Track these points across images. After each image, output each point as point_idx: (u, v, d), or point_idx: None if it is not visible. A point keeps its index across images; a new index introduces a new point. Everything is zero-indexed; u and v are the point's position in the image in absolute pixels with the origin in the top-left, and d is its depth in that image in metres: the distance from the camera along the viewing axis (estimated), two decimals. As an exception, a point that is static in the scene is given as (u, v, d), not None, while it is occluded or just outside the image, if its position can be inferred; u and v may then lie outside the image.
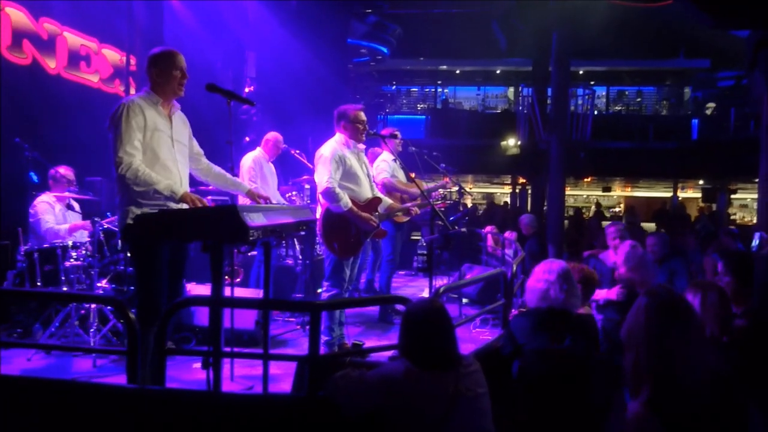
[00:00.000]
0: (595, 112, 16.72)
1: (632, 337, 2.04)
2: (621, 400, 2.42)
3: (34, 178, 5.31)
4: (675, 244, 6.54)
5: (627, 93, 26.54)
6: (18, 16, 6.01)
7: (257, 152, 5.95)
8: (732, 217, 22.22)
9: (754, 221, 15.02)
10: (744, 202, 25.30)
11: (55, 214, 5.21)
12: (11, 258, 4.98)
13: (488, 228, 8.89)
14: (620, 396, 2.46)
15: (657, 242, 5.85)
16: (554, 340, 3.00)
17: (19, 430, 2.50)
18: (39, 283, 4.60)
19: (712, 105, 21.70)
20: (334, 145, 4.39)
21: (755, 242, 5.92)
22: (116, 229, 4.67)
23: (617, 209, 27.15)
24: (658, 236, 6.06)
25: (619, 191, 27.10)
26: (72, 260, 4.69)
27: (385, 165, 5.97)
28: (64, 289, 4.65)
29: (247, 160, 5.86)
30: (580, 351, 2.97)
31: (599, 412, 2.84)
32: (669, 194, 24.18)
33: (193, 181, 3.73)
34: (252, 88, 9.54)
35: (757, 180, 6.15)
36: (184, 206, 3.23)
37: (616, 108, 25.71)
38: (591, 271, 3.87)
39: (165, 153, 3.32)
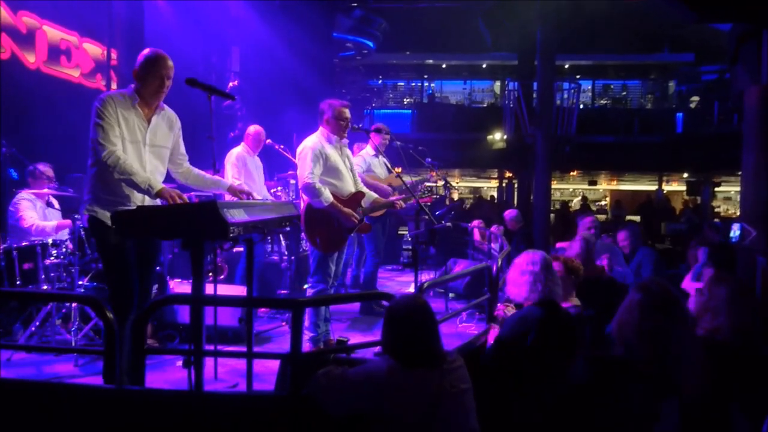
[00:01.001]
0: (581, 106, 16.78)
1: (624, 332, 2.03)
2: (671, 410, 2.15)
3: (13, 174, 5.23)
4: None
5: (612, 87, 26.69)
6: (-5, 9, 5.90)
7: (240, 148, 5.89)
8: (716, 210, 22.44)
9: (738, 213, 15.17)
10: (728, 194, 25.55)
11: (36, 211, 5.13)
12: (-11, 256, 4.90)
13: (475, 222, 8.89)
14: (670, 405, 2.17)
15: (628, 236, 5.97)
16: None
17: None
18: (18, 282, 4.52)
19: (696, 99, 21.91)
20: (315, 140, 4.35)
21: (735, 233, 5.99)
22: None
23: (603, 202, 27.32)
24: (628, 229, 6.20)
25: (605, 185, 27.26)
26: (52, 258, 4.61)
27: (360, 160, 5.92)
28: (45, 287, 4.57)
29: (230, 156, 5.79)
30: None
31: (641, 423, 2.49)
32: (654, 187, 24.37)
33: (175, 181, 3.69)
34: (236, 83, 9.42)
35: (740, 173, 6.19)
36: (150, 200, 3.25)
37: (602, 102, 25.85)
38: (573, 261, 3.87)
39: (131, 156, 3.30)
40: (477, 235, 8.24)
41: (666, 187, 24.88)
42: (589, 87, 25.35)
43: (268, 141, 6.18)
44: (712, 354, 2.18)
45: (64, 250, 4.67)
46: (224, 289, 4.77)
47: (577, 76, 22.60)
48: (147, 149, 3.38)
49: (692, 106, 21.53)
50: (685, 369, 1.93)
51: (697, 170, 20.29)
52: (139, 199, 3.30)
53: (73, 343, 4.31)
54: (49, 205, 5.25)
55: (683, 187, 23.03)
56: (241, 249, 5.69)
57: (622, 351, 2.01)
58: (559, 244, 6.60)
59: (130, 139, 3.30)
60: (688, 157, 17.98)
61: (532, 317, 3.03)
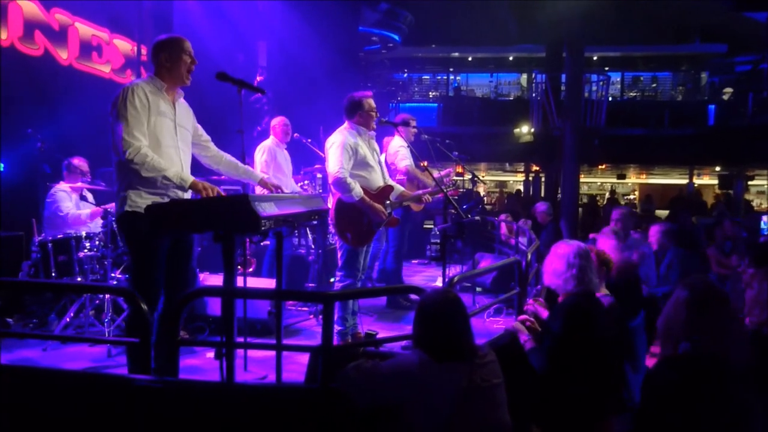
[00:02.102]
0: (610, 99, 16.50)
1: (672, 330, 1.99)
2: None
3: (47, 168, 5.33)
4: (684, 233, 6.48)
5: (642, 79, 26.22)
6: (30, 7, 6.01)
7: (269, 141, 5.93)
8: (751, 204, 21.92)
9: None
10: (761, 188, 24.93)
11: (71, 203, 5.22)
12: (25, 248, 5.01)
13: (502, 216, 8.83)
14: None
15: (660, 233, 5.79)
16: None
17: (32, 420, 2.51)
18: (53, 274, 4.62)
19: (729, 90, 21.40)
20: (344, 134, 4.34)
21: (765, 224, 5.84)
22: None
23: (632, 196, 26.90)
24: (661, 226, 6.00)
25: (634, 178, 26.83)
26: (86, 251, 4.70)
27: (405, 151, 5.91)
28: (79, 279, 4.67)
29: (259, 150, 5.84)
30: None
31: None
32: (685, 181, 23.91)
33: (205, 170, 3.70)
34: (263, 77, 9.49)
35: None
36: (188, 195, 3.22)
37: (631, 94, 25.42)
38: (605, 253, 3.80)
39: (167, 140, 3.26)
40: (504, 229, 8.18)
41: (697, 181, 24.39)
42: (618, 79, 24.92)
43: (296, 135, 6.20)
44: (761, 346, 2.13)
45: (97, 242, 4.76)
46: (252, 282, 4.81)
47: (606, 68, 22.24)
48: (178, 129, 3.35)
49: (725, 97, 21.03)
50: (734, 366, 1.88)
51: (730, 163, 19.84)
52: (180, 193, 3.23)
53: (107, 334, 4.39)
54: (83, 198, 5.34)
55: (715, 181, 22.53)
56: (267, 243, 5.74)
57: (670, 349, 1.97)
58: (592, 235, 6.48)
59: (165, 117, 3.26)
60: (720, 150, 17.57)
61: (579, 307, 2.98)
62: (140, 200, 3.13)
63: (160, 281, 3.21)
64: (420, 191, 5.16)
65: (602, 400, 2.89)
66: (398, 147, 5.97)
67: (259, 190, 4.57)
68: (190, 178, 3.18)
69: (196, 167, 3.58)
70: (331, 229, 4.48)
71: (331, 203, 4.30)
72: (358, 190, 4.21)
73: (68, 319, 4.55)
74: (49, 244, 4.66)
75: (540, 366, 2.93)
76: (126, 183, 3.18)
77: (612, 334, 3.00)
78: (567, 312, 2.95)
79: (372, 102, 4.41)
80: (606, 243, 4.53)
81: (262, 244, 5.76)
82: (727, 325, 1.94)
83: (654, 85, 25.96)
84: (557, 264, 3.10)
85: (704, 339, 1.93)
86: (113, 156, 3.18)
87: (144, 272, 3.19)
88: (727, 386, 1.81)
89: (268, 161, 5.77)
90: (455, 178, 6.65)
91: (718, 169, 21.97)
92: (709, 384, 1.81)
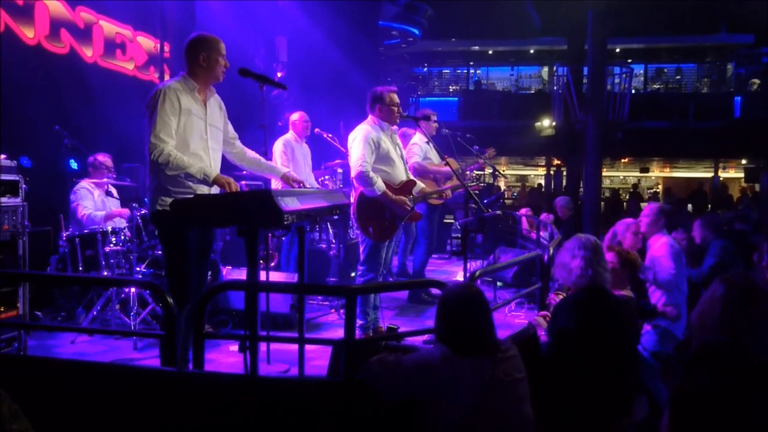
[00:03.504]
0: (633, 91, 16.27)
1: (705, 325, 1.95)
2: None
3: (74, 165, 5.43)
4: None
5: (666, 71, 25.75)
6: (55, 5, 6.10)
7: (288, 135, 5.95)
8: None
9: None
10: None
11: (94, 200, 5.31)
12: (54, 243, 5.11)
13: (523, 210, 8.77)
14: None
15: (701, 226, 5.64)
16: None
17: (61, 410, 2.57)
18: (81, 268, 4.71)
19: (756, 81, 20.93)
20: (367, 128, 4.34)
21: None
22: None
23: (656, 190, 26.52)
24: (701, 219, 5.81)
25: (658, 172, 26.44)
26: (111, 245, 4.78)
27: (417, 149, 5.91)
28: (105, 273, 4.75)
29: (278, 144, 5.87)
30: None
31: None
32: (710, 174, 23.50)
33: (228, 166, 3.75)
34: (283, 73, 9.53)
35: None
36: (216, 190, 3.27)
37: (655, 86, 24.98)
38: (630, 253, 3.76)
39: (196, 141, 3.34)
40: (525, 224, 8.13)
41: (722, 174, 23.97)
42: (642, 71, 24.54)
43: (317, 130, 6.22)
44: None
45: (122, 237, 4.84)
46: (274, 277, 4.86)
47: (629, 60, 21.92)
48: (209, 130, 3.42)
49: (752, 89, 20.60)
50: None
51: (756, 156, 19.44)
52: (205, 189, 3.32)
53: (133, 327, 4.47)
54: (108, 194, 5.44)
55: (741, 174, 22.11)
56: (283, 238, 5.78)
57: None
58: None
59: (196, 117, 3.33)
60: (746, 143, 17.22)
61: (579, 302, 2.98)
62: (169, 199, 3.22)
63: (192, 276, 3.30)
64: (442, 187, 5.15)
65: (608, 399, 2.87)
66: (412, 144, 5.96)
67: (274, 184, 4.61)
68: (214, 173, 3.24)
69: (222, 163, 3.63)
70: (354, 223, 4.49)
71: (353, 198, 4.32)
72: (380, 184, 4.21)
73: (95, 313, 4.64)
74: (77, 239, 4.75)
75: (545, 360, 2.93)
76: (156, 182, 3.28)
77: (618, 331, 2.95)
78: (568, 308, 2.96)
79: (395, 96, 4.40)
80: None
81: (283, 238, 5.84)
82: (761, 323, 1.89)
83: (678, 77, 25.48)
84: (564, 256, 3.13)
85: (739, 337, 1.88)
86: (147, 155, 3.28)
87: (177, 268, 3.29)
88: (760, 389, 1.77)
89: (287, 155, 5.80)
90: (476, 171, 6.61)
91: (744, 162, 21.57)
92: (740, 386, 1.77)
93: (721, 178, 23.37)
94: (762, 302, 1.94)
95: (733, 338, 1.87)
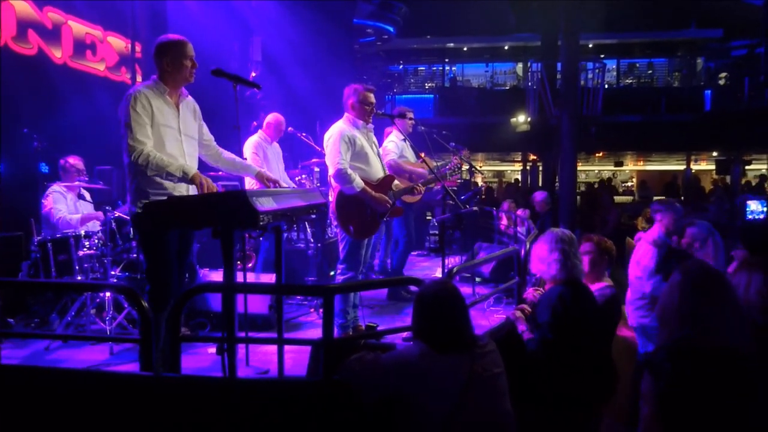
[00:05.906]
0: (606, 86, 16.48)
1: (666, 314, 1.98)
2: None
3: (44, 168, 5.32)
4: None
5: (638, 65, 26.14)
6: (22, 6, 5.99)
7: (257, 136, 5.87)
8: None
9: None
10: (759, 172, 24.95)
11: (67, 203, 5.22)
12: (25, 248, 5.01)
13: (505, 204, 8.84)
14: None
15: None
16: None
17: (37, 419, 2.52)
18: (53, 273, 4.62)
19: (725, 75, 21.35)
20: (342, 126, 4.33)
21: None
22: (127, 217, 4.67)
23: (630, 184, 26.90)
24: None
25: (632, 165, 26.82)
26: (85, 249, 4.70)
27: (393, 146, 5.91)
28: (79, 278, 4.67)
29: (249, 145, 5.77)
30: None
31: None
32: (682, 167, 23.91)
33: (204, 167, 3.72)
34: (257, 72, 9.47)
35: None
36: (193, 190, 3.26)
37: (627, 81, 25.36)
38: (606, 241, 3.80)
39: (171, 144, 3.34)
40: (504, 219, 8.19)
41: (694, 167, 24.40)
42: (614, 66, 24.86)
43: (290, 129, 6.17)
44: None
45: (96, 241, 4.76)
46: (252, 278, 4.82)
47: (602, 56, 22.17)
48: (182, 137, 3.42)
49: (721, 83, 21.00)
50: (731, 351, 1.87)
51: (727, 148, 19.85)
52: (183, 190, 3.33)
53: (108, 332, 4.40)
54: (80, 197, 5.34)
55: (712, 167, 22.53)
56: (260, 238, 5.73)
57: (666, 335, 1.96)
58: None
59: (167, 127, 3.33)
60: (717, 136, 17.58)
61: (562, 294, 3.01)
62: (147, 201, 3.20)
63: (172, 279, 3.30)
64: (413, 183, 5.15)
65: (592, 388, 2.92)
66: (388, 141, 5.95)
67: (249, 183, 4.57)
68: (192, 170, 3.24)
69: (198, 165, 3.61)
70: (334, 222, 4.46)
71: (332, 197, 4.30)
72: (358, 181, 4.20)
73: (70, 318, 4.55)
74: (49, 244, 4.65)
75: (533, 355, 2.96)
76: (135, 184, 3.28)
77: (599, 321, 3.01)
78: (551, 302, 2.99)
79: (369, 95, 4.39)
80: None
81: (261, 239, 5.80)
82: (725, 310, 1.91)
83: (650, 71, 25.87)
84: (541, 250, 3.16)
85: (700, 326, 1.91)
86: (125, 158, 3.26)
87: (156, 271, 3.29)
88: (724, 378, 1.80)
89: (259, 156, 5.74)
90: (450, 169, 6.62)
91: (715, 154, 21.97)
92: (705, 375, 1.80)
93: (693, 171, 23.78)
94: (718, 287, 1.96)
95: (696, 327, 1.89)
